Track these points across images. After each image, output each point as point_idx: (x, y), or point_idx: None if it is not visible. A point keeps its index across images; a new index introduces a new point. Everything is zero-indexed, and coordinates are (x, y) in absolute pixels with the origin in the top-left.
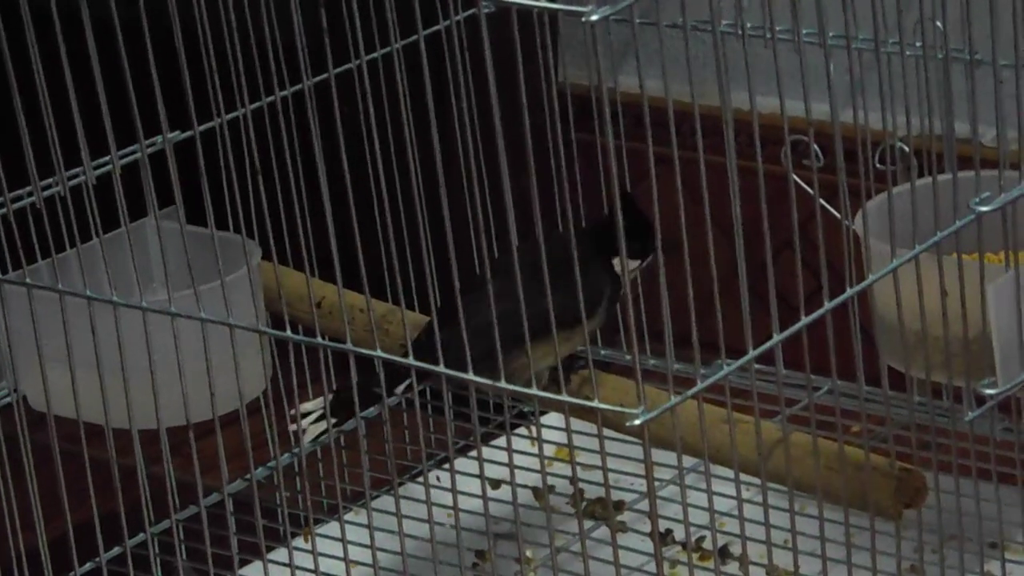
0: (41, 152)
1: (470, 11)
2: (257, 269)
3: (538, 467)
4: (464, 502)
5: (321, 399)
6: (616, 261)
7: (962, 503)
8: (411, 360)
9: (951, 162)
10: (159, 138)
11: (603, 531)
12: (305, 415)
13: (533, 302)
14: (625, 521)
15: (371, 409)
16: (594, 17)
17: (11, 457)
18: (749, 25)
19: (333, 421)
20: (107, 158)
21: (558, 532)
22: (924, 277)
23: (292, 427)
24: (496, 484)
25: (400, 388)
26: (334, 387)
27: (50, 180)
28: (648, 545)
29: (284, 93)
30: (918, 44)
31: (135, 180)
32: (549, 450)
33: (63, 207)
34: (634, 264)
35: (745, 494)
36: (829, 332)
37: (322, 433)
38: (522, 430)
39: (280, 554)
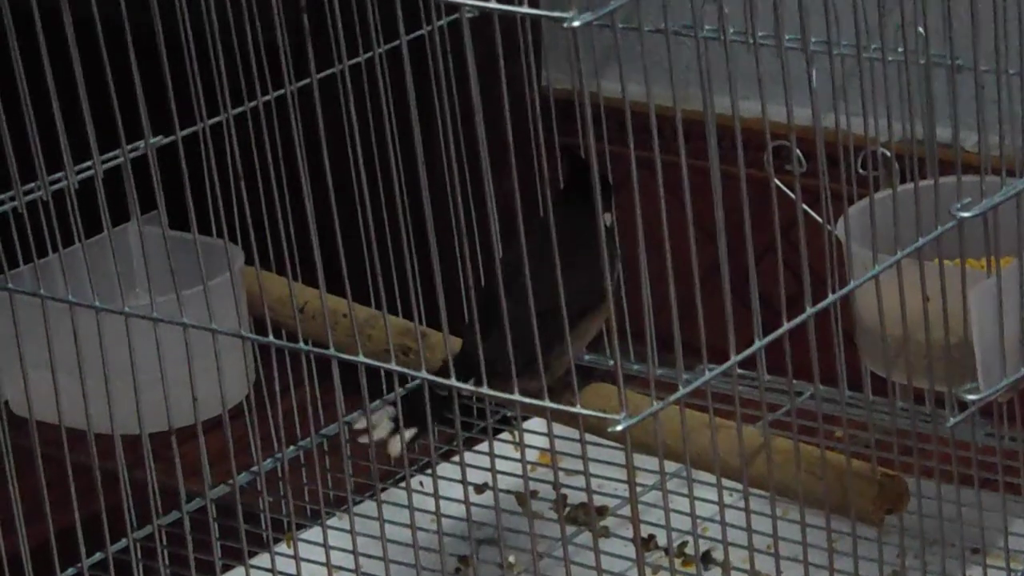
0: (23, 157)
1: (453, 16)
2: (240, 274)
3: (521, 472)
4: (447, 507)
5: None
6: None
7: (944, 508)
8: (393, 365)
9: (933, 168)
10: (141, 143)
11: (586, 536)
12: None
13: (559, 291)
14: (608, 526)
15: (355, 413)
16: (576, 23)
17: None
18: (731, 30)
19: (413, 431)
20: (89, 163)
21: (541, 537)
22: (906, 282)
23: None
24: (479, 489)
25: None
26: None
27: (32, 185)
28: (631, 550)
29: (267, 98)
30: (900, 50)
31: (118, 185)
32: (532, 455)
33: (45, 212)
34: (609, 217)
35: (727, 499)
36: (811, 337)
37: (415, 438)
38: (505, 435)
39: (263, 559)
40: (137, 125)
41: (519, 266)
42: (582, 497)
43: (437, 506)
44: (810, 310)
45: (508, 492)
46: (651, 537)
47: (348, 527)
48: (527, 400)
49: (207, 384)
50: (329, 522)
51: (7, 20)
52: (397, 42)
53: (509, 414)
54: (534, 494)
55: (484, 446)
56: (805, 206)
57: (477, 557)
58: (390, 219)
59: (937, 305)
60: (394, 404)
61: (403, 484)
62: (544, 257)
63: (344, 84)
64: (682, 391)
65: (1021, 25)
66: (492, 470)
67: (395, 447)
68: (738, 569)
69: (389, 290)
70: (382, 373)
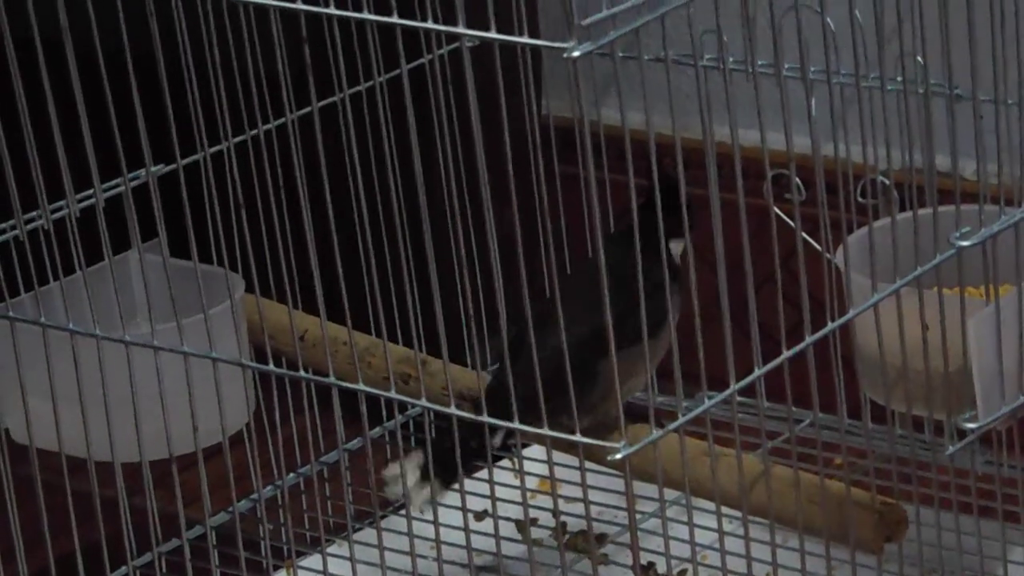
0: (24, 185)
1: (453, 45)
2: (240, 302)
3: (521, 499)
4: (446, 535)
5: (411, 462)
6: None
7: (943, 537)
8: (393, 393)
9: (932, 196)
10: (142, 171)
11: (585, 564)
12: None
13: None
14: (607, 554)
15: (355, 441)
16: (576, 52)
17: None
18: (731, 59)
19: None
20: (90, 191)
21: (540, 565)
22: (905, 311)
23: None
24: (479, 517)
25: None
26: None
27: (34, 213)
28: None
29: (267, 126)
30: (899, 79)
31: (118, 213)
32: (532, 482)
33: (46, 240)
34: (680, 244)
35: (727, 527)
36: (811, 365)
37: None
38: (505, 462)
39: None
40: (138, 153)
41: (555, 300)
42: (582, 524)
43: (437, 533)
44: (809, 338)
45: (508, 519)
46: (651, 565)
47: (348, 555)
48: (527, 428)
49: (207, 412)
50: (329, 549)
51: (9, 49)
52: (398, 71)
53: (509, 441)
54: (534, 521)
55: (484, 473)
56: (804, 234)
57: None
58: (390, 247)
59: (936, 333)
60: (422, 452)
61: (403, 511)
62: (586, 290)
63: (345, 113)
64: (682, 419)
65: (1019, 55)
66: (492, 497)
67: (419, 500)
68: None
69: (389, 318)
70: (382, 401)
